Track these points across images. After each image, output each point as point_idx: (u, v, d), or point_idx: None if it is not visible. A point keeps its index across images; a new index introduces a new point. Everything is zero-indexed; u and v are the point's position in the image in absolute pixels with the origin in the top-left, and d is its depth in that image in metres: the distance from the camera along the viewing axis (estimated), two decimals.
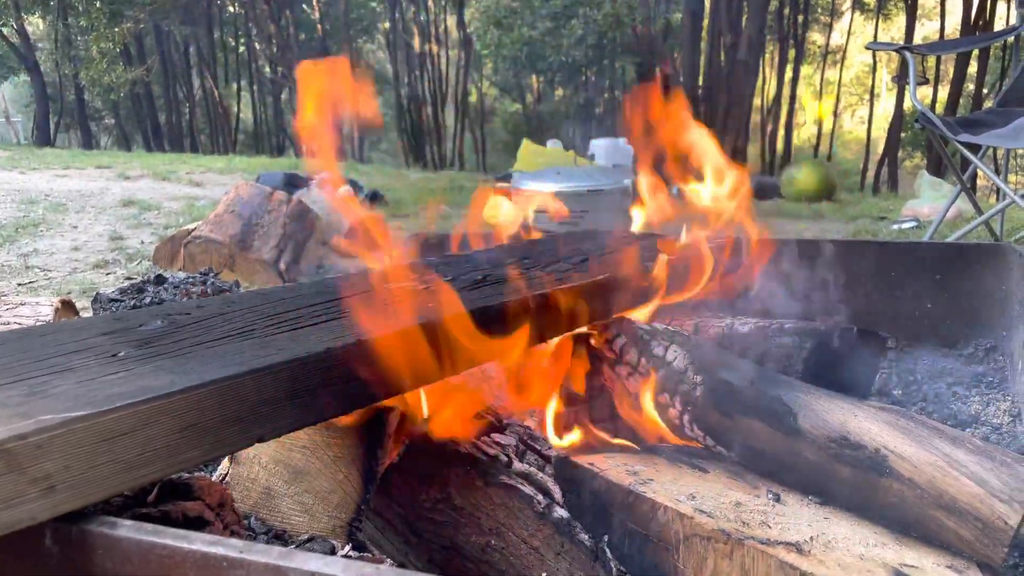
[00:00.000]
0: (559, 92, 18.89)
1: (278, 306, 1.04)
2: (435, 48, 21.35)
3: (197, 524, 0.90)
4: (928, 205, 4.87)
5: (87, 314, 2.55)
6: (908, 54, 3.54)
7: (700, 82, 12.86)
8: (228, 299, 1.09)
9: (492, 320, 1.02)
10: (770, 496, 1.00)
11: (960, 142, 3.36)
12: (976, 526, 0.92)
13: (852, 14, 21.89)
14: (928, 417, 1.53)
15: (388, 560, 1.10)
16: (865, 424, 1.01)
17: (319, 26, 19.64)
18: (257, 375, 0.76)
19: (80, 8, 13.79)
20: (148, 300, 1.67)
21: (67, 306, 2.29)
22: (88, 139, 17.83)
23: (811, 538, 0.87)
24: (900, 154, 18.78)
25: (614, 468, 0.99)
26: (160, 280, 1.72)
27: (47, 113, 16.21)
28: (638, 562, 0.93)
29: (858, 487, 1.00)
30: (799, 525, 0.91)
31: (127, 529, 0.65)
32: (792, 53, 19.06)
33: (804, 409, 1.05)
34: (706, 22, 13.19)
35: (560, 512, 0.94)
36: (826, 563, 0.82)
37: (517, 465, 1.01)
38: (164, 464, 0.71)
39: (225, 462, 1.27)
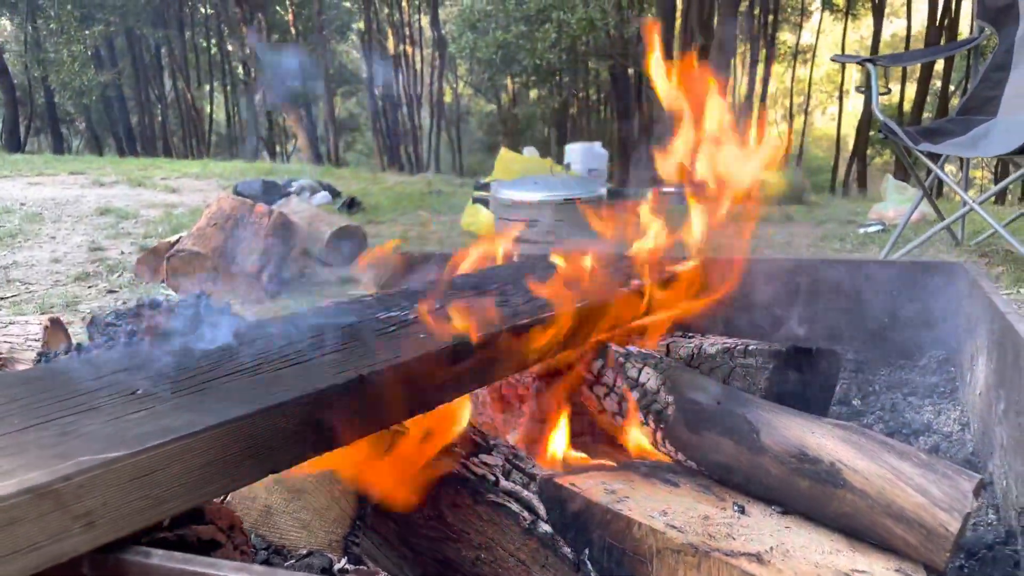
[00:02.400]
0: (533, 94, 19.01)
1: (280, 339, 1.12)
2: (410, 49, 21.35)
3: (210, 546, 0.97)
4: (893, 208, 5.02)
5: (74, 331, 2.59)
6: (871, 66, 3.67)
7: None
8: (233, 332, 1.16)
9: (480, 347, 1.11)
10: (735, 508, 1.09)
11: (921, 151, 3.49)
12: (921, 533, 1.02)
13: (821, 14, 22.21)
14: (885, 426, 1.64)
15: (384, 573, 1.17)
16: (821, 440, 1.11)
17: (292, 27, 19.58)
18: (269, 413, 0.84)
19: (50, 11, 13.65)
20: (145, 324, 1.72)
21: (56, 324, 2.34)
22: (59, 143, 17.64)
23: (771, 548, 0.97)
24: (869, 152, 19.11)
25: (593, 487, 1.08)
26: (155, 304, 1.78)
27: (16, 117, 16.02)
28: (616, 574, 1.02)
29: (815, 498, 1.09)
30: (761, 536, 1.00)
31: (160, 558, 0.73)
32: (763, 53, 19.31)
33: (766, 426, 1.14)
34: (678, 23, 13.36)
35: (544, 528, 1.03)
36: (784, 572, 0.91)
37: (504, 484, 1.09)
38: (188, 497, 0.78)
39: None
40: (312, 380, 0.94)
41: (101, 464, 0.72)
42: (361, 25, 21.01)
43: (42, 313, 3.10)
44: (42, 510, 0.67)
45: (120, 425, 0.81)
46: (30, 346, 2.15)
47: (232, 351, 1.07)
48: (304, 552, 1.27)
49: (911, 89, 18.80)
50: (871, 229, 4.71)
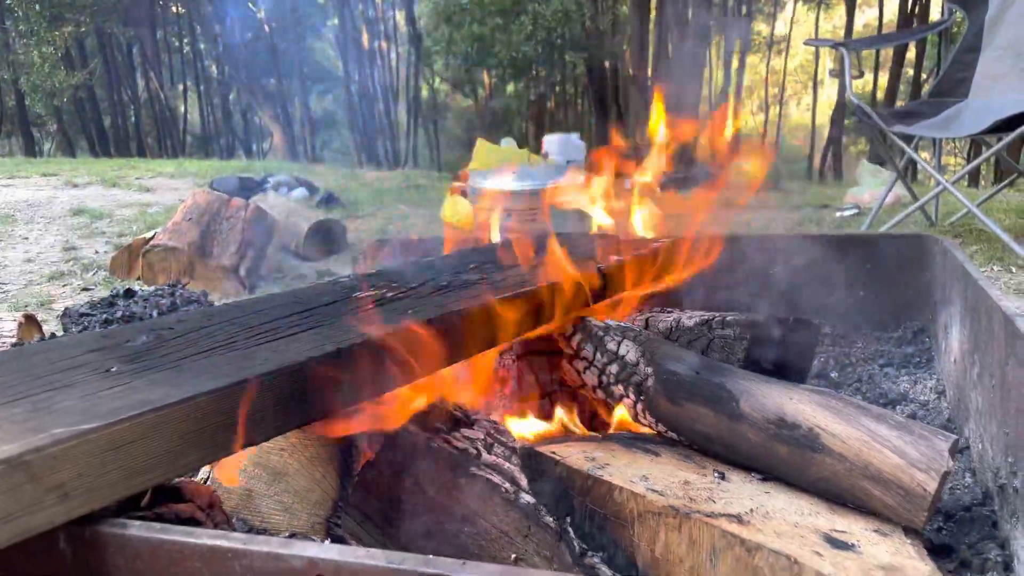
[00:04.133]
0: (510, 87, 18.99)
1: (256, 318, 1.11)
2: (384, 44, 21.26)
3: (189, 524, 0.96)
4: (868, 192, 5.07)
5: (48, 328, 2.56)
6: (844, 50, 3.70)
7: (649, 74, 13.06)
8: (207, 313, 1.15)
9: (457, 324, 1.11)
10: (716, 475, 1.10)
11: (894, 133, 3.53)
12: (899, 493, 1.03)
13: (795, 4, 22.38)
14: (862, 396, 1.65)
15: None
16: (799, 406, 1.12)
17: (266, 25, 19.42)
18: (246, 385, 0.84)
19: (19, 12, 13.43)
20: (119, 314, 1.70)
21: (30, 321, 2.31)
22: (31, 145, 17.39)
23: (751, 510, 0.97)
24: (844, 140, 19.29)
25: (574, 455, 1.08)
26: (129, 294, 1.76)
27: None
28: (598, 539, 1.02)
29: (795, 463, 1.10)
30: (741, 499, 1.01)
31: (136, 528, 0.72)
32: (738, 43, 19.42)
33: (745, 394, 1.15)
34: (653, 15, 13.39)
35: (526, 498, 1.03)
36: (764, 531, 0.92)
37: (485, 457, 1.09)
38: (166, 469, 0.78)
39: (206, 467, 1.33)
40: (289, 354, 0.93)
41: (74, 436, 0.71)
42: (336, 22, 20.88)
43: (16, 311, 3.06)
44: (14, 481, 0.67)
45: (94, 400, 0.80)
46: (3, 342, 2.13)
47: (208, 330, 1.06)
48: (287, 535, 1.27)
49: (884, 77, 18.99)
50: (847, 213, 4.75)
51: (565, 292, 1.27)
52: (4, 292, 3.61)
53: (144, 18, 18.26)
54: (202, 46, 20.54)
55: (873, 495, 1.05)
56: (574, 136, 6.44)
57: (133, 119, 20.76)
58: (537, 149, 6.93)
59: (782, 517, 0.98)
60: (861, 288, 1.83)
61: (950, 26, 4.10)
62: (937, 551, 1.15)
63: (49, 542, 0.72)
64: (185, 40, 21.21)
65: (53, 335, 1.74)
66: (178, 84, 21.61)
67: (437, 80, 22.66)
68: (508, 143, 6.39)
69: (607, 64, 14.52)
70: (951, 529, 1.22)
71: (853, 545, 0.94)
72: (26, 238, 4.92)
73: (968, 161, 14.38)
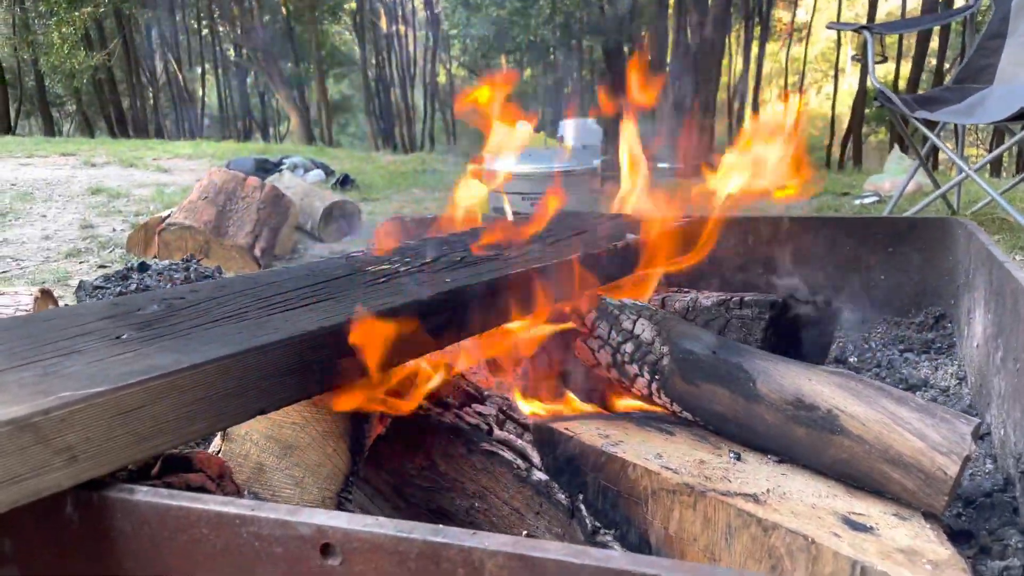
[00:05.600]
0: (528, 72, 18.89)
1: (268, 289, 1.10)
2: (402, 29, 21.20)
3: (199, 493, 0.96)
4: (889, 180, 5.01)
5: (64, 302, 2.57)
6: (868, 33, 3.64)
7: (668, 60, 12.95)
8: (219, 284, 1.14)
9: (472, 299, 1.09)
10: (732, 455, 1.08)
11: (917, 119, 3.47)
12: (919, 477, 1.01)
13: None
14: (882, 382, 1.63)
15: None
16: (818, 387, 1.10)
17: (284, 7, 19.40)
18: (257, 352, 0.82)
19: None
20: (133, 287, 1.70)
21: (46, 295, 2.31)
22: (50, 126, 17.51)
23: (768, 490, 0.96)
24: (864, 129, 19.06)
25: (587, 432, 1.07)
26: (144, 267, 1.75)
27: (7, 100, 15.88)
28: (611, 517, 1.01)
29: (812, 445, 1.08)
30: (757, 479, 0.99)
31: (144, 494, 0.71)
32: (758, 30, 19.22)
33: (762, 375, 1.13)
34: (672, 0, 13.27)
35: (538, 475, 1.01)
36: (780, 511, 0.90)
37: (497, 433, 1.08)
38: (174, 435, 0.77)
39: (217, 440, 1.33)
40: (300, 324, 0.92)
41: (83, 399, 0.70)
42: (353, 5, 20.83)
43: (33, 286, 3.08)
44: (22, 443, 0.66)
45: (104, 365, 0.80)
46: (20, 316, 2.14)
47: (220, 301, 1.06)
48: None
49: (906, 67, 18.74)
50: (867, 200, 4.70)
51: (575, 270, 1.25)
52: (22, 268, 3.63)
53: (163, 0, 18.30)
54: (221, 29, 20.56)
55: (892, 478, 1.03)
56: (590, 120, 6.39)
57: (151, 100, 20.84)
58: (553, 133, 6.88)
59: (799, 498, 0.96)
60: (882, 272, 1.80)
61: (976, 11, 4.03)
62: (956, 537, 1.13)
63: (56, 506, 0.72)
64: (204, 22, 21.24)
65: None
66: (196, 66, 21.66)
67: (454, 65, 22.58)
68: (524, 127, 6.34)
69: (625, 49, 14.40)
70: (971, 515, 1.20)
71: (871, 528, 0.92)
72: (44, 216, 4.95)
73: (990, 152, 14.18)
